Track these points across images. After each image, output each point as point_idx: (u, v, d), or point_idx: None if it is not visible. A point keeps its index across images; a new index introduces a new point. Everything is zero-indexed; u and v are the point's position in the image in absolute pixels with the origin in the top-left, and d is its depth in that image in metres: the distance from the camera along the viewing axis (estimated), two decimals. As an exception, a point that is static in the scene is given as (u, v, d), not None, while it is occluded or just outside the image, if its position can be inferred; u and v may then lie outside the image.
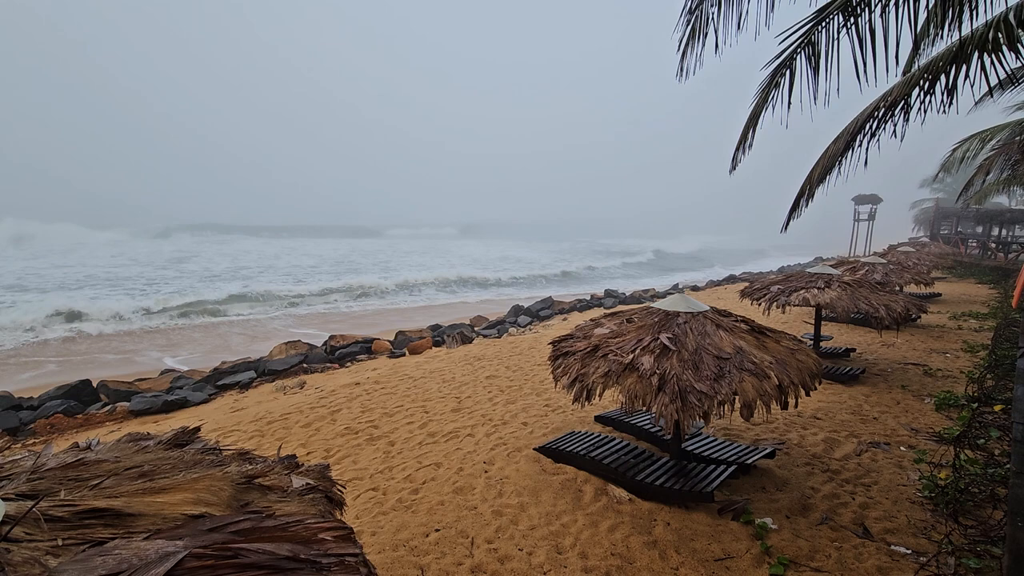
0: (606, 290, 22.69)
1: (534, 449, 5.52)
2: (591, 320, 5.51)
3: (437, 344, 12.92)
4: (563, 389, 4.59)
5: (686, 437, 5.57)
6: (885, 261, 11.79)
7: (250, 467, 2.21)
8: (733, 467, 4.81)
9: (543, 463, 5.22)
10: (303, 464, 2.51)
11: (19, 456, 2.09)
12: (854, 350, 9.64)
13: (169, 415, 8.01)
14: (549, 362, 5.05)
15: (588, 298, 20.93)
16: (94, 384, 8.75)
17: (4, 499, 1.59)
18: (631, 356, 4.41)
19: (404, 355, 11.89)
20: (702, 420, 4.12)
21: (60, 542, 1.49)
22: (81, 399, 8.30)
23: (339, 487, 2.35)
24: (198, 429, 2.59)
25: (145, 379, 9.95)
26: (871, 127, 5.11)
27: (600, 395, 4.39)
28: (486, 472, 5.07)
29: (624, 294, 22.13)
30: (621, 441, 5.42)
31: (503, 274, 32.53)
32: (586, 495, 4.60)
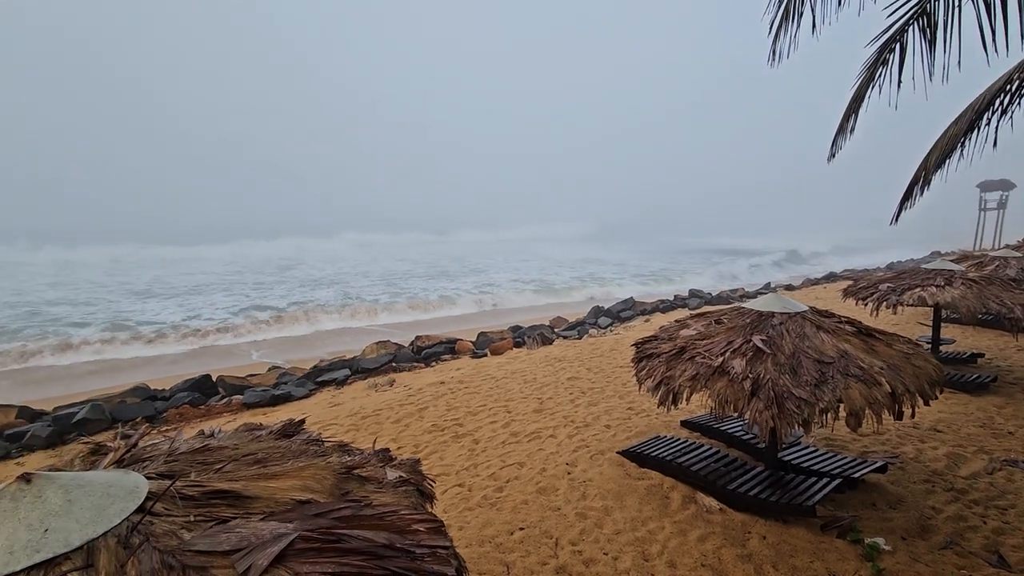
0: (690, 290, 21.78)
1: (618, 453, 5.42)
2: (676, 321, 5.32)
3: (518, 345, 13.06)
4: (647, 392, 4.47)
5: (783, 446, 5.22)
6: (1021, 255, 10.33)
7: (349, 458, 2.36)
8: (837, 481, 4.44)
9: (627, 467, 5.11)
10: (396, 458, 2.64)
11: (157, 441, 2.38)
12: (982, 355, 8.54)
13: (275, 408, 8.74)
14: (632, 364, 4.94)
15: (671, 299, 20.22)
16: (213, 378, 9.74)
17: (147, 478, 1.82)
18: (721, 359, 4.21)
19: (486, 355, 12.13)
20: (801, 429, 3.84)
21: (192, 518, 1.67)
22: (203, 391, 9.28)
23: (429, 481, 2.45)
24: (303, 422, 2.80)
25: (255, 374, 10.92)
26: (1002, 103, 4.51)
27: (687, 399, 4.23)
28: (569, 474, 5.06)
29: (710, 294, 21.13)
30: (710, 448, 5.18)
31: (582, 273, 32.25)
32: (673, 502, 4.45)
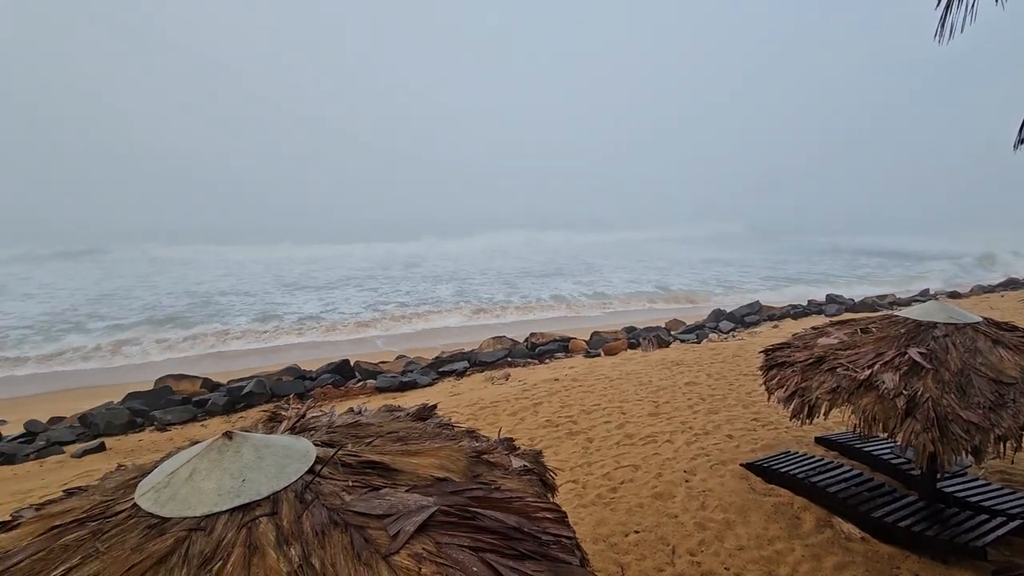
0: (828, 295, 19.69)
1: (741, 465, 5.12)
2: (812, 328, 4.88)
3: (632, 346, 12.78)
4: (777, 403, 4.17)
5: (944, 475, 4.56)
6: None
7: (477, 444, 2.52)
8: (1017, 522, 3.80)
9: (751, 481, 4.81)
10: (519, 447, 2.77)
11: (317, 415, 2.73)
12: None
13: (404, 393, 9.46)
14: (760, 372, 4.63)
15: (804, 304, 18.45)
16: (351, 363, 10.81)
17: (314, 445, 2.10)
18: (868, 372, 3.80)
19: (599, 355, 12.04)
20: (970, 457, 3.35)
21: (350, 483, 1.91)
22: (343, 374, 10.34)
23: (551, 473, 2.53)
24: (435, 407, 3.03)
25: (385, 362, 11.91)
26: None
27: (824, 414, 3.89)
28: (687, 481, 4.88)
29: (852, 300, 18.92)
30: (850, 469, 4.69)
31: (704, 275, 30.59)
32: (805, 524, 4.11)
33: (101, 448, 6.95)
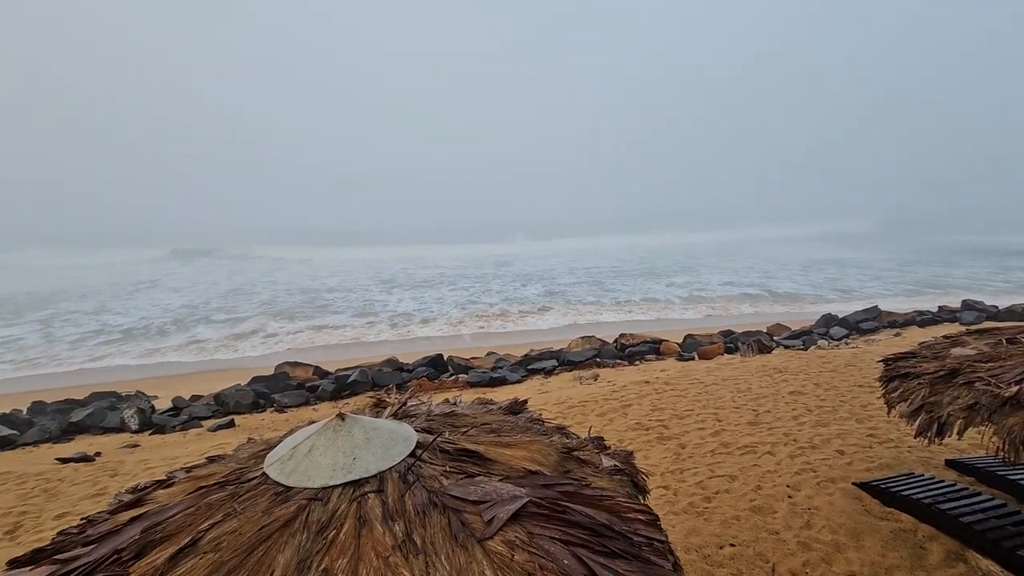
0: (965, 301, 17.34)
1: (854, 484, 4.68)
2: (944, 337, 4.36)
3: (729, 351, 12.12)
4: (899, 419, 3.78)
5: (1117, 515, 3.87)
6: None
7: (568, 440, 2.55)
8: None
9: (866, 502, 4.39)
10: (610, 447, 2.75)
11: (417, 404, 2.89)
12: None
13: (493, 389, 9.70)
14: (879, 384, 4.21)
15: (934, 310, 16.41)
16: (445, 358, 11.27)
17: (415, 431, 2.24)
18: (1016, 388, 3.32)
19: (693, 359, 11.55)
20: None
21: (447, 468, 2.02)
22: (437, 368, 10.81)
23: (643, 475, 2.49)
24: (526, 402, 3.10)
25: (476, 357, 12.27)
26: None
27: (958, 434, 3.46)
28: (790, 497, 4.56)
29: (994, 307, 16.51)
30: (990, 499, 4.12)
31: (815, 277, 28.21)
32: (932, 555, 3.68)
33: (231, 424, 7.85)
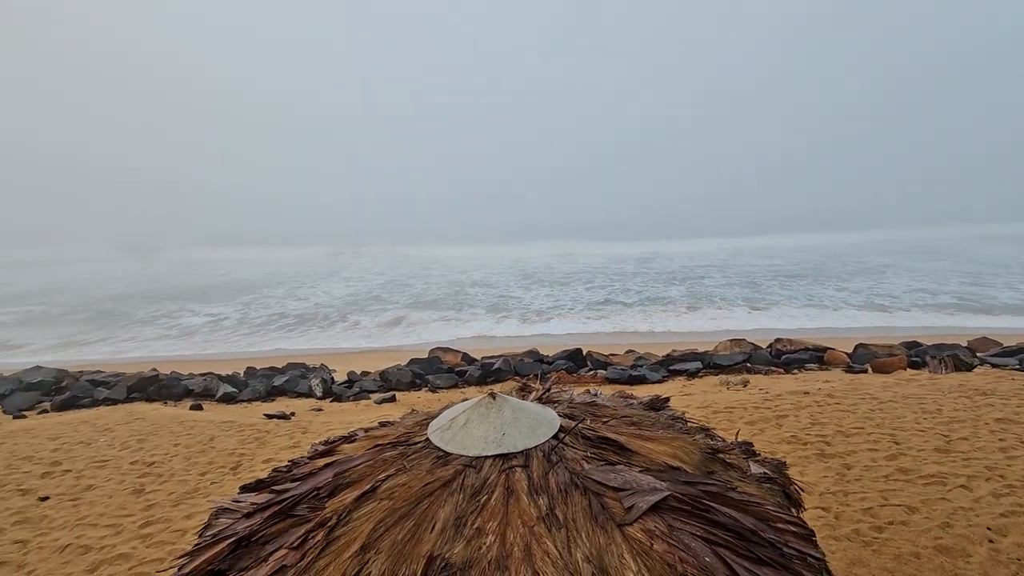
0: None
1: (1091, 539, 3.78)
2: None
3: (914, 365, 10.40)
4: None
5: None
6: None
7: (712, 442, 2.47)
8: None
9: (1109, 565, 3.52)
10: (759, 454, 2.60)
11: (559, 392, 3.02)
12: None
13: (632, 387, 9.53)
14: None
15: None
16: (584, 352, 11.35)
17: (558, 415, 2.36)
18: None
19: (865, 371, 10.14)
20: None
21: (588, 453, 2.10)
22: (576, 362, 10.94)
23: (797, 487, 2.33)
24: (668, 399, 3.05)
25: (614, 354, 12.15)
26: None
27: None
28: (991, 542, 3.83)
29: None
30: None
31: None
32: None
33: (393, 399, 8.83)
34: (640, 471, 1.97)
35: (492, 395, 2.19)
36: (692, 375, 10.61)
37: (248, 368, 11.05)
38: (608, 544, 1.63)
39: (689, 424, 2.73)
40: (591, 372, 10.31)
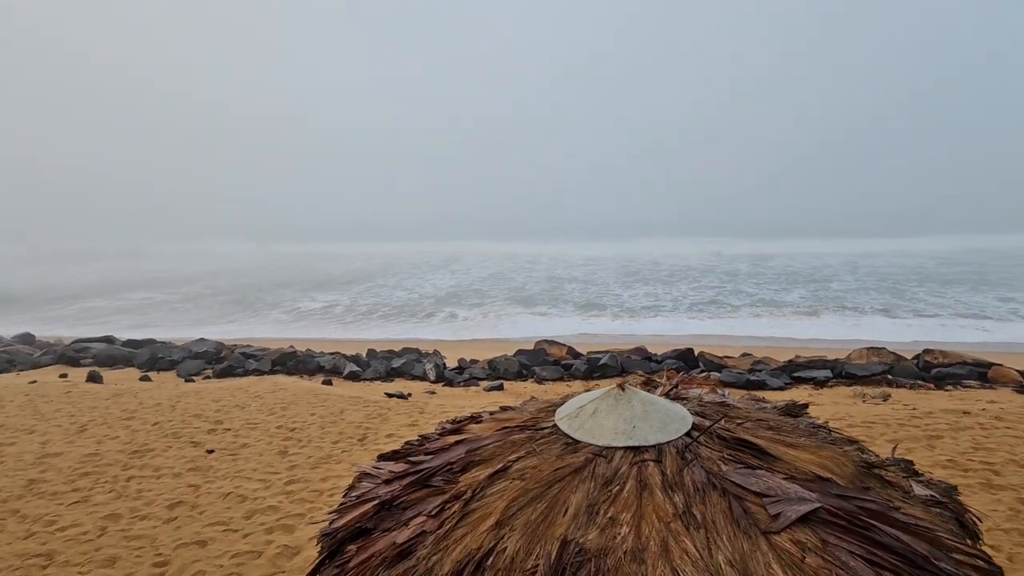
0: None
1: None
2: None
3: (1120, 391, 8.60)
4: None
5: None
6: None
7: (864, 455, 2.24)
8: None
9: None
10: (922, 474, 2.31)
11: (685, 389, 2.90)
12: None
13: (749, 393, 8.91)
14: None
15: None
16: (695, 353, 10.82)
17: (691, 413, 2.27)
18: None
19: (1048, 394, 8.57)
20: None
21: (724, 455, 1.99)
22: (686, 362, 10.47)
23: (974, 515, 2.03)
24: (806, 405, 2.82)
25: (729, 357, 11.43)
26: None
27: None
28: None
29: None
30: None
31: None
32: None
33: (501, 387, 9.07)
34: (784, 478, 1.84)
35: (621, 387, 2.16)
36: (820, 384, 9.69)
37: (369, 350, 11.96)
38: (753, 551, 1.54)
39: (834, 434, 2.50)
40: (703, 374, 9.80)
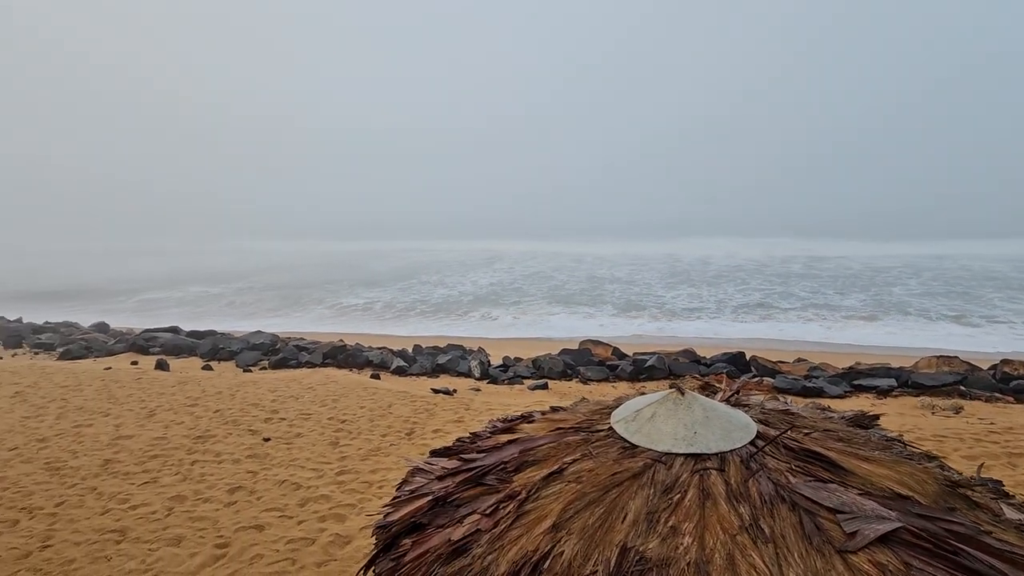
0: None
1: None
2: None
3: None
4: None
5: None
6: None
7: (946, 473, 2.08)
8: None
9: None
10: (1012, 495, 2.13)
11: (746, 395, 2.79)
12: None
13: (812, 401, 8.52)
14: None
15: None
16: (747, 357, 10.44)
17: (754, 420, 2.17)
18: None
19: None
20: None
21: (792, 466, 1.90)
22: (737, 366, 10.12)
23: (1078, 546, 1.85)
24: (877, 417, 2.65)
25: (783, 362, 10.97)
26: None
27: None
28: None
29: None
30: None
31: None
32: None
33: (545, 386, 9.05)
34: (859, 494, 1.73)
35: (679, 390, 2.10)
36: (883, 393, 9.16)
37: (415, 346, 12.17)
38: (827, 570, 1.46)
39: (909, 448, 2.34)
40: (756, 379, 9.44)
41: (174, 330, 14.76)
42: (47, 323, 16.73)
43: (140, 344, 12.86)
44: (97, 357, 12.15)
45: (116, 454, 5.61)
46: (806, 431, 2.18)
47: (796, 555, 1.50)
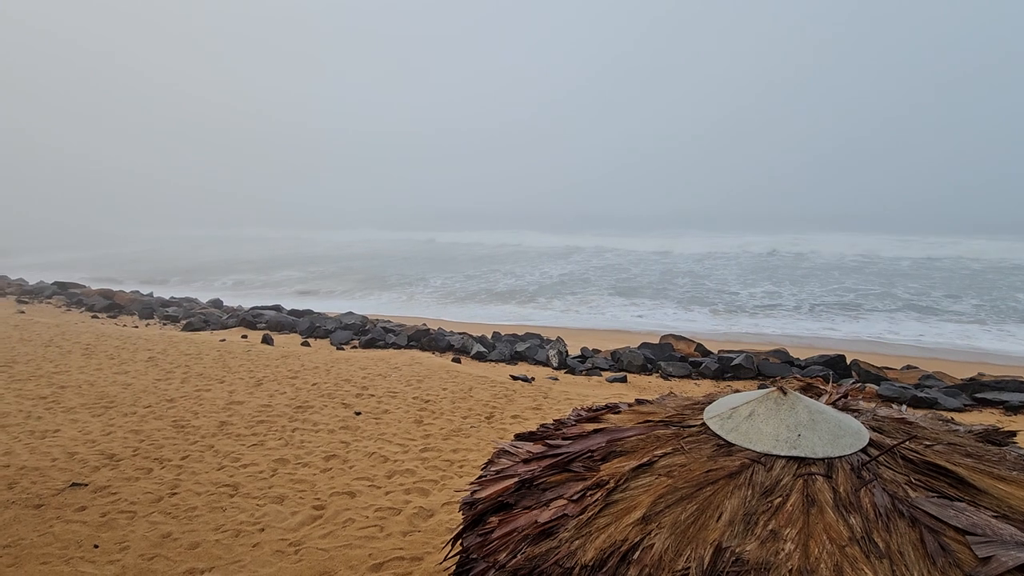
0: None
1: None
2: None
3: None
4: None
5: None
6: None
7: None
8: None
9: None
10: None
11: (855, 400, 2.59)
12: None
13: (933, 411, 7.74)
14: None
15: None
16: (847, 361, 9.63)
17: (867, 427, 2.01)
18: None
19: None
20: None
21: (912, 479, 1.74)
22: (836, 369, 9.36)
23: None
24: (1014, 433, 2.36)
25: (889, 368, 10.00)
26: None
27: None
28: None
29: None
30: None
31: None
32: None
33: (624, 380, 8.89)
34: (993, 516, 1.56)
35: (782, 390, 1.98)
36: (1013, 409, 8.09)
37: (495, 332, 12.39)
38: (954, 594, 1.34)
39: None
40: (857, 385, 8.69)
41: (277, 308, 16.06)
42: (172, 298, 18.81)
43: (248, 320, 14.12)
44: (213, 330, 13.50)
45: (230, 417, 6.22)
46: (927, 443, 1.99)
47: (916, 574, 1.38)
